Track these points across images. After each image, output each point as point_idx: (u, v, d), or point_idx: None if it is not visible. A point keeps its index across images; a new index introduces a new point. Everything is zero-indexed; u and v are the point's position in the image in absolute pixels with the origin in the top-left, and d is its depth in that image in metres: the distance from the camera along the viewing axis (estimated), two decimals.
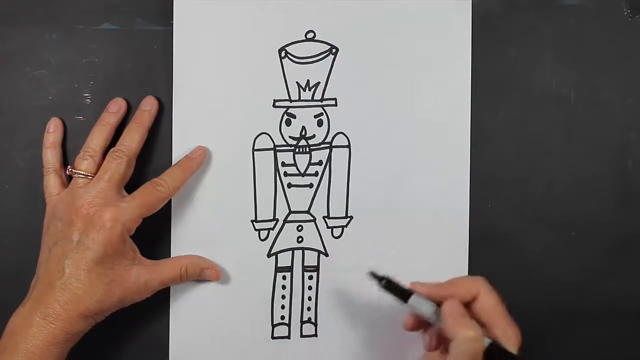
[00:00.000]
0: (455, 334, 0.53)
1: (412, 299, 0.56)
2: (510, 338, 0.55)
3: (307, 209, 0.64)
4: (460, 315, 0.53)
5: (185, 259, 0.61)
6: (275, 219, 0.64)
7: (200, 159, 0.61)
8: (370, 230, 0.64)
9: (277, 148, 0.64)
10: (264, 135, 0.63)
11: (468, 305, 0.56)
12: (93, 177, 0.59)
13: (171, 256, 0.62)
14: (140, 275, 0.58)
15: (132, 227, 0.58)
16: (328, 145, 0.64)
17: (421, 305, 0.56)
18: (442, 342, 0.57)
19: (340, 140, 0.64)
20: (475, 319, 0.56)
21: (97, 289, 0.56)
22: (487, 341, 0.54)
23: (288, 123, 0.63)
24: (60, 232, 0.57)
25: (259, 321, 0.64)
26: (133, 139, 0.60)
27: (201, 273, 0.62)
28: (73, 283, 0.55)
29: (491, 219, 0.66)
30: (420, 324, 0.58)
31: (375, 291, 0.64)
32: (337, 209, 0.65)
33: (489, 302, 0.56)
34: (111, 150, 0.59)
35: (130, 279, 0.57)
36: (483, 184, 0.65)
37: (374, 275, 0.57)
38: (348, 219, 0.65)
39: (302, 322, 0.65)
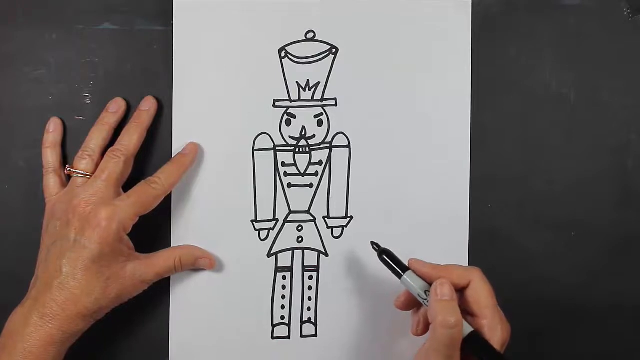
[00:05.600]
0: (435, 317, 0.53)
1: (407, 275, 0.57)
2: (495, 331, 0.55)
3: (307, 209, 0.64)
4: (448, 297, 0.54)
5: (179, 250, 0.61)
6: (275, 219, 0.64)
7: (192, 155, 0.61)
8: (370, 230, 0.64)
9: (277, 148, 0.64)
10: (264, 135, 0.63)
11: (461, 292, 0.57)
12: (92, 176, 0.59)
13: None
14: (136, 270, 0.58)
15: (128, 226, 0.58)
16: (328, 145, 0.64)
17: (414, 283, 0.57)
18: (428, 329, 0.57)
19: (340, 140, 0.64)
20: (465, 307, 0.56)
21: (95, 287, 0.56)
22: (469, 330, 0.54)
23: (288, 123, 0.63)
24: (58, 232, 0.57)
25: (259, 321, 0.64)
26: (131, 138, 0.60)
27: (195, 262, 0.62)
28: (70, 282, 0.55)
29: (491, 219, 0.66)
30: (411, 304, 0.60)
31: (375, 291, 0.64)
32: (337, 209, 0.65)
33: (480, 292, 0.56)
34: (109, 149, 0.59)
35: (126, 275, 0.58)
36: (483, 184, 0.65)
37: (376, 246, 0.59)
38: (348, 219, 0.65)
39: (302, 322, 0.65)
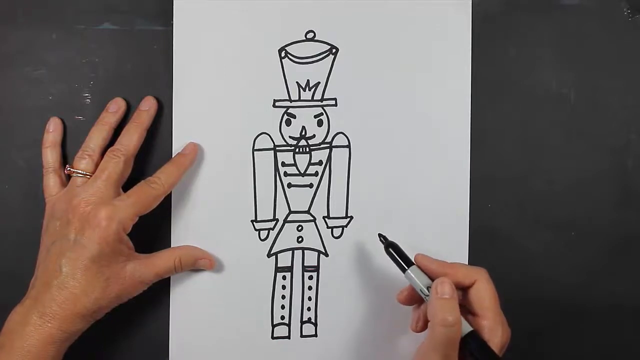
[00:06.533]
0: (434, 315, 0.53)
1: (411, 270, 0.57)
2: (495, 332, 0.55)
3: (307, 209, 0.64)
4: (448, 296, 0.54)
5: (179, 250, 0.61)
6: (275, 219, 0.64)
7: (192, 155, 0.61)
8: (370, 230, 0.64)
9: (277, 148, 0.64)
10: (264, 135, 0.63)
11: (465, 291, 0.57)
12: (91, 176, 0.59)
13: None
14: (136, 270, 0.58)
15: (128, 225, 0.58)
16: (328, 145, 0.64)
17: (418, 278, 0.57)
18: (427, 326, 0.57)
19: (340, 140, 0.64)
20: (467, 306, 0.56)
21: (94, 287, 0.56)
22: (468, 330, 0.54)
23: (288, 123, 0.64)
24: (58, 231, 0.57)
25: (259, 321, 0.64)
26: (131, 138, 0.60)
27: (195, 263, 0.62)
28: (70, 282, 0.55)
29: (491, 219, 0.66)
30: (413, 299, 0.59)
31: (375, 291, 0.64)
32: (337, 209, 0.65)
33: (483, 292, 0.56)
34: (109, 149, 0.59)
35: (126, 275, 0.58)
36: (483, 184, 0.65)
37: (383, 239, 0.59)
38: (348, 219, 0.65)
39: (302, 322, 0.65)
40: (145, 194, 0.59)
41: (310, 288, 0.65)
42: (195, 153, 0.62)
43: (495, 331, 0.55)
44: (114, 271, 0.57)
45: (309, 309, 0.65)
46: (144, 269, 0.59)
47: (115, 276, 0.57)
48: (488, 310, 0.56)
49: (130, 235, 0.58)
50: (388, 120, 0.64)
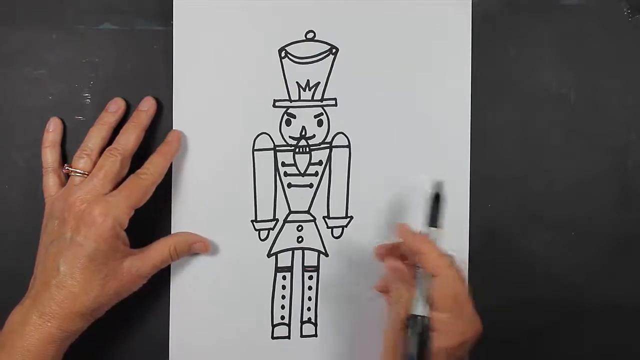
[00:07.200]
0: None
1: (436, 231, 0.57)
2: (453, 326, 0.55)
3: (307, 209, 0.64)
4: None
5: (172, 239, 0.61)
6: (275, 219, 0.64)
7: (176, 143, 0.61)
8: (370, 230, 0.64)
9: (277, 148, 0.64)
10: (264, 135, 0.63)
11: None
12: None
13: None
14: (133, 265, 0.58)
15: (123, 220, 0.57)
16: (328, 145, 0.64)
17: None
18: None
19: (340, 140, 0.64)
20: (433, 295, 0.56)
21: (93, 285, 0.56)
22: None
23: (288, 123, 0.64)
24: (56, 231, 0.57)
25: (259, 321, 0.64)
26: (129, 138, 0.60)
27: (190, 248, 0.62)
28: (68, 281, 0.55)
29: (491, 219, 0.66)
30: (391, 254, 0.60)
31: (375, 291, 0.64)
32: (337, 209, 0.64)
33: (444, 286, 0.55)
34: (107, 149, 0.59)
35: (123, 270, 0.58)
36: (483, 184, 0.65)
37: (435, 189, 0.58)
38: (348, 219, 0.65)
39: (302, 322, 0.65)
40: (137, 186, 0.59)
41: (310, 288, 0.65)
42: (178, 140, 0.61)
43: (454, 324, 0.54)
44: (112, 268, 0.57)
45: (309, 309, 0.65)
46: (140, 262, 0.59)
47: (113, 273, 0.57)
48: (445, 303, 0.55)
49: (130, 235, 0.58)
50: (388, 120, 0.64)
